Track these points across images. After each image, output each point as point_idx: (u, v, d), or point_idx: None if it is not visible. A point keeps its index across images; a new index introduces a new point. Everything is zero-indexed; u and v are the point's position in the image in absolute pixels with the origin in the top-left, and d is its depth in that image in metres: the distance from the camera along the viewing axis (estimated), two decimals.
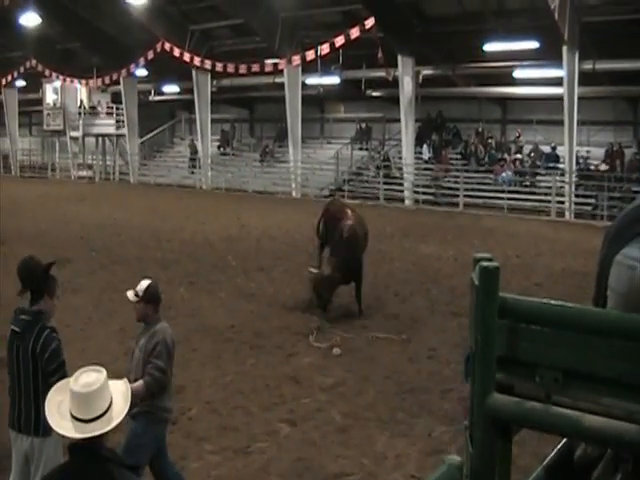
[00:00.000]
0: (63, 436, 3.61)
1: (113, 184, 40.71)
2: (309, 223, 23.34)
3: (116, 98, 41.76)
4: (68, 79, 40.99)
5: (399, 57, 29.04)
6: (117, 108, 41.70)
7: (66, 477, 3.56)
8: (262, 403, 8.83)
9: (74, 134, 41.83)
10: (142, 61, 36.81)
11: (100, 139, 42.97)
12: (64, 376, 5.07)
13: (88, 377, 3.47)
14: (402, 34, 28.53)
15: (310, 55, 30.53)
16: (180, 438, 7.84)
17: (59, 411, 3.49)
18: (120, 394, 3.59)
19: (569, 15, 24.11)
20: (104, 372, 3.55)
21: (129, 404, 3.62)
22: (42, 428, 5.27)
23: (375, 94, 33.10)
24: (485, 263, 2.66)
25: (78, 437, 3.44)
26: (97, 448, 3.46)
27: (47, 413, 3.54)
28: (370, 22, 27.77)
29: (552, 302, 3.33)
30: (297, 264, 17.06)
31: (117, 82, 39.33)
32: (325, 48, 29.68)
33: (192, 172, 39.55)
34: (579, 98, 25.68)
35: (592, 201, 26.01)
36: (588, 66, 25.53)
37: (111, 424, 3.46)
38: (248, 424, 8.24)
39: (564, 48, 24.78)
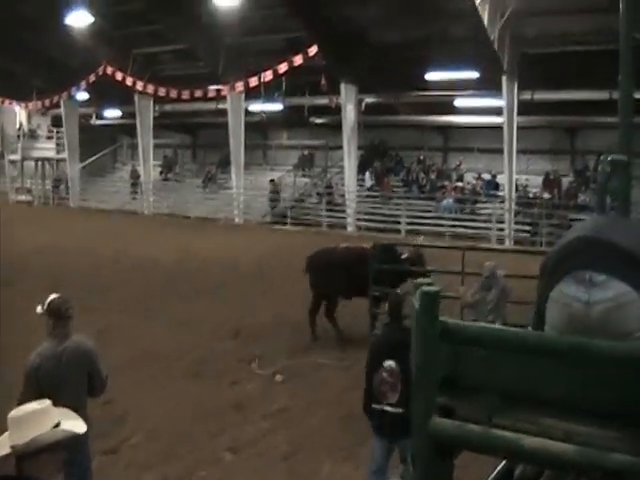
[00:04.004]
0: None
1: (52, 208, 40.03)
2: (252, 249, 23.37)
3: (57, 121, 41.16)
4: (7, 101, 40.34)
5: (342, 85, 29.26)
6: (58, 131, 41.04)
7: None
8: (205, 431, 8.76)
9: (13, 157, 41.12)
10: (83, 84, 36.40)
11: (40, 163, 42.28)
12: None
13: (26, 406, 3.42)
14: (345, 62, 28.77)
15: (253, 81, 30.57)
16: (121, 467, 7.74)
17: None
18: (71, 424, 3.49)
19: (508, 46, 24.69)
20: (46, 402, 3.48)
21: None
22: None
23: (318, 121, 33.29)
24: (426, 287, 2.72)
25: None
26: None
27: None
28: (313, 50, 27.98)
29: (492, 326, 3.37)
30: (240, 290, 17.03)
31: (58, 105, 38.78)
32: (268, 75, 29.76)
33: (134, 197, 39.15)
34: (518, 127, 26.23)
35: (531, 228, 26.50)
36: (527, 96, 26.08)
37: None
38: (191, 452, 8.17)
39: (503, 78, 25.32)
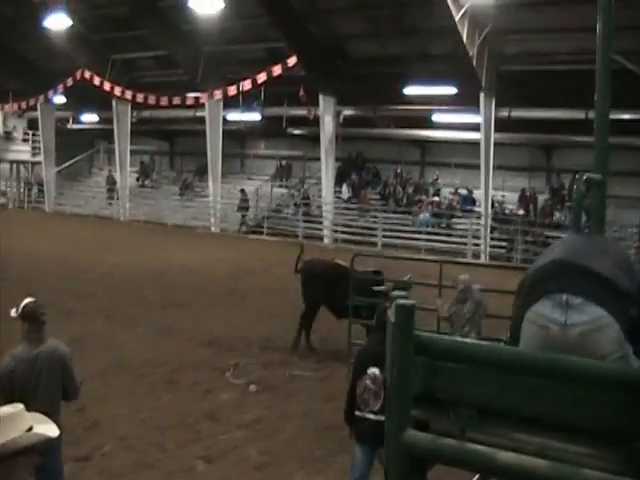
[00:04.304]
0: None
1: (27, 212, 39.72)
2: (228, 258, 23.34)
3: (33, 124, 40.89)
4: None
5: (321, 96, 29.37)
6: (34, 134, 40.80)
7: None
8: (178, 440, 8.73)
9: None
10: (61, 88, 36.22)
11: (15, 165, 41.98)
12: None
13: None
14: (324, 73, 28.89)
15: (232, 90, 30.60)
16: (93, 475, 7.69)
17: None
18: (44, 429, 3.48)
19: (486, 63, 24.92)
20: (20, 406, 3.46)
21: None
22: None
23: (296, 132, 33.35)
24: (401, 301, 2.74)
25: None
26: None
27: None
28: (293, 60, 28.06)
29: (466, 340, 3.41)
30: (215, 300, 17.00)
31: (34, 108, 38.55)
32: (247, 84, 29.79)
33: (110, 203, 38.96)
34: (495, 144, 26.46)
35: (506, 244, 26.72)
36: (504, 113, 26.33)
37: None
38: (164, 461, 8.13)
39: (481, 95, 25.55)
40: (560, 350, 2.96)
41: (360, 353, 7.20)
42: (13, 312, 6.13)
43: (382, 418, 6.33)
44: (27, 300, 6.14)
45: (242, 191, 33.79)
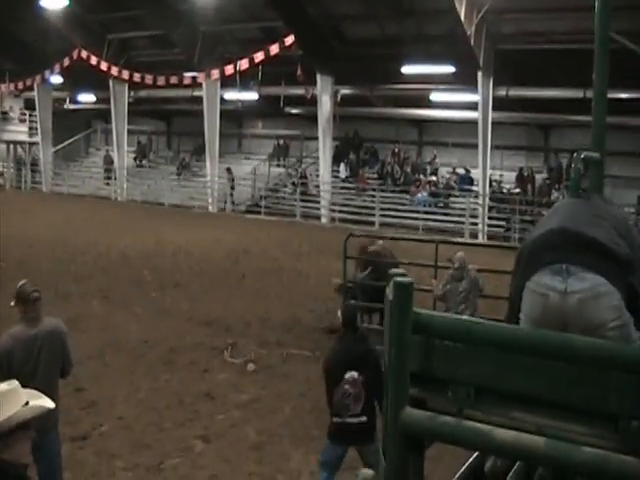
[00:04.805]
0: None
1: (25, 193, 39.63)
2: (226, 239, 23.31)
3: (30, 104, 40.74)
4: None
5: (318, 75, 29.26)
6: (30, 115, 40.68)
7: None
8: (176, 419, 8.76)
9: None
10: (57, 68, 36.03)
11: (12, 146, 41.85)
12: None
13: None
14: (322, 53, 28.77)
15: (229, 70, 30.45)
16: (91, 455, 7.71)
17: None
18: (39, 402, 3.50)
19: (484, 42, 24.78)
20: (15, 382, 3.47)
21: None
22: None
23: (294, 111, 33.24)
24: (399, 278, 2.73)
25: None
26: None
27: None
28: (290, 39, 27.91)
29: (464, 318, 3.40)
30: (213, 280, 17.00)
31: (31, 88, 38.39)
32: (244, 63, 29.65)
33: (107, 183, 38.89)
34: (493, 123, 26.38)
35: (504, 223, 26.73)
36: (502, 92, 26.22)
37: None
38: (161, 441, 8.16)
39: (479, 74, 25.43)
40: (559, 318, 2.97)
41: (331, 358, 6.69)
42: (13, 303, 6.17)
43: (364, 419, 6.31)
44: (21, 282, 6.19)
45: (228, 170, 33.71)
